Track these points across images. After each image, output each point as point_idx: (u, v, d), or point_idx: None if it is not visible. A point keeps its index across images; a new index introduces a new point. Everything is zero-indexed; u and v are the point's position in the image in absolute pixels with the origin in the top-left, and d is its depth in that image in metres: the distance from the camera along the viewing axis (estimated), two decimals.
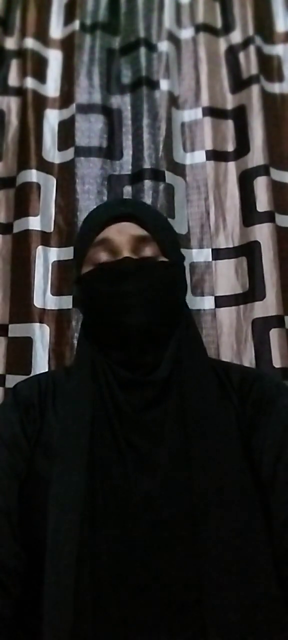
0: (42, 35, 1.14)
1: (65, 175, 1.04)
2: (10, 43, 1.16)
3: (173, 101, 1.08)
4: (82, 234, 0.74)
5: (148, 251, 0.66)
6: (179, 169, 1.05)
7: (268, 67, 1.12)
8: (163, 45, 1.11)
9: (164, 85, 1.07)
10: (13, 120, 1.10)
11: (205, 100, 1.09)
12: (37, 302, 0.95)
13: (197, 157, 1.06)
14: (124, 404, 0.60)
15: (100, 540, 0.51)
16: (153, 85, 1.07)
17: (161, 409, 0.60)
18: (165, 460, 0.56)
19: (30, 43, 1.11)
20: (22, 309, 0.94)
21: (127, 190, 1.01)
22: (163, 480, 0.54)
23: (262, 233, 0.96)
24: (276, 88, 1.11)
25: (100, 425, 0.59)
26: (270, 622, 0.49)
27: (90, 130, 1.06)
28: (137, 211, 0.68)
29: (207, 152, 1.06)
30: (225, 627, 0.47)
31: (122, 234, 0.66)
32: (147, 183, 0.98)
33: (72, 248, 0.98)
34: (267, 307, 0.92)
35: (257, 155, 1.01)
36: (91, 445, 0.57)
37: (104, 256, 0.66)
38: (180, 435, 0.58)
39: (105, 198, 1.02)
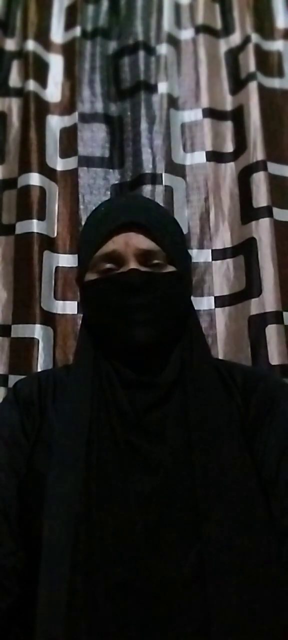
0: (42, 38, 1.15)
1: (68, 183, 1.06)
2: (11, 44, 1.17)
3: (173, 102, 1.10)
4: (86, 239, 0.71)
5: (155, 261, 0.64)
6: (179, 170, 1.06)
7: (268, 62, 1.13)
8: (163, 48, 1.12)
9: (163, 87, 1.09)
10: (14, 122, 1.11)
11: (205, 102, 1.10)
12: (43, 305, 0.96)
13: (197, 158, 1.08)
14: (126, 404, 0.60)
15: (95, 541, 0.51)
16: (151, 88, 1.08)
17: (163, 410, 0.61)
18: (167, 461, 0.56)
19: (31, 45, 1.12)
20: (25, 310, 0.95)
21: None
22: (165, 481, 0.54)
23: (260, 228, 0.97)
24: (276, 83, 1.12)
25: (100, 425, 0.59)
26: (273, 615, 0.49)
27: (93, 140, 1.08)
28: (143, 219, 0.65)
29: (207, 153, 1.07)
30: (229, 623, 0.47)
31: (129, 246, 0.63)
32: (146, 188, 0.99)
33: (74, 256, 1.01)
34: (263, 303, 0.93)
35: (254, 152, 1.01)
36: (89, 446, 0.57)
37: (109, 265, 0.65)
38: (182, 436, 0.58)
39: None
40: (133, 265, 0.63)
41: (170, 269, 0.65)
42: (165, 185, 1.01)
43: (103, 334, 0.66)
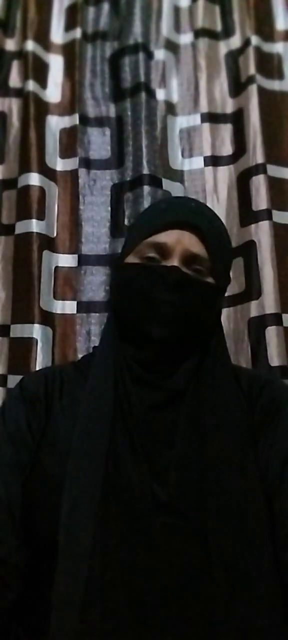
0: (42, 38, 1.15)
1: (67, 183, 1.06)
2: (11, 44, 1.17)
3: (170, 109, 1.10)
4: (138, 225, 0.73)
5: (198, 267, 0.64)
6: (177, 175, 1.06)
7: (268, 64, 1.13)
8: (160, 54, 1.13)
9: (160, 94, 1.09)
10: (14, 122, 1.11)
11: (203, 106, 1.10)
12: (42, 304, 0.96)
13: (195, 163, 1.08)
14: (136, 401, 0.60)
15: (112, 540, 0.51)
16: (151, 92, 1.09)
17: (172, 412, 0.61)
18: (175, 464, 0.56)
19: (30, 45, 1.11)
20: (25, 310, 0.95)
21: (128, 197, 1.03)
22: (174, 484, 0.55)
23: (259, 231, 0.97)
24: (276, 85, 1.12)
25: (116, 421, 0.59)
26: (274, 616, 0.50)
27: (93, 142, 1.08)
28: (203, 224, 0.65)
29: (205, 158, 1.08)
30: (237, 623, 0.49)
31: (179, 244, 0.63)
32: (146, 189, 1.00)
33: (74, 256, 1.02)
34: (263, 305, 0.93)
35: (253, 155, 1.02)
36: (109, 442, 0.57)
37: (153, 254, 0.65)
38: (192, 440, 0.58)
39: (108, 208, 1.04)
40: (176, 262, 0.63)
41: (210, 280, 0.65)
42: (164, 190, 1.02)
43: (123, 319, 0.67)
